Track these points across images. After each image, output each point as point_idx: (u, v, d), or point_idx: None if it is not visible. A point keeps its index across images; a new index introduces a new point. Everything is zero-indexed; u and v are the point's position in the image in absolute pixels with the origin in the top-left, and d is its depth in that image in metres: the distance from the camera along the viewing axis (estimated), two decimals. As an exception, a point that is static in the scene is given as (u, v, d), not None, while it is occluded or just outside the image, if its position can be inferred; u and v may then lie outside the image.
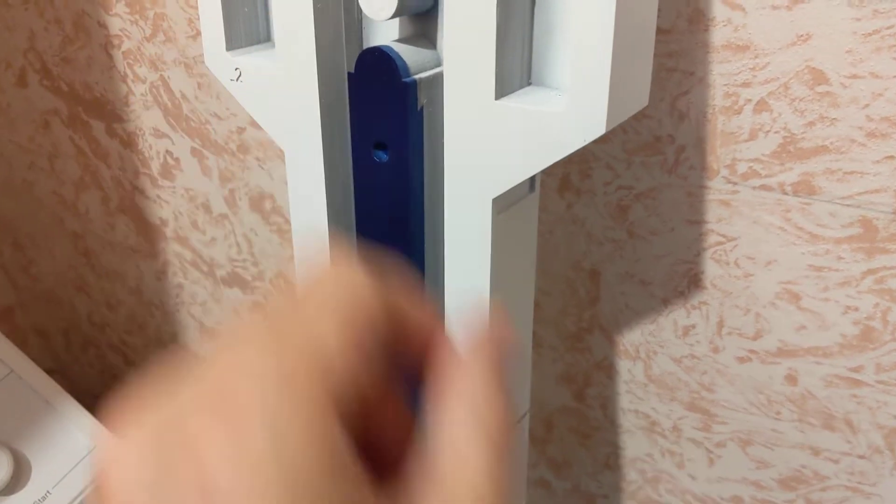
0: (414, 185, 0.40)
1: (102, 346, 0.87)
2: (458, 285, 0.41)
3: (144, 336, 0.82)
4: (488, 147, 0.36)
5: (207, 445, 0.16)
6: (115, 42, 0.63)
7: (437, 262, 0.43)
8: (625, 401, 0.55)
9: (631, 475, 0.58)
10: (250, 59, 0.42)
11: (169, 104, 0.63)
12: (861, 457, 0.48)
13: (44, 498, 0.64)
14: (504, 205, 0.39)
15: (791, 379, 0.47)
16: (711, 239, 0.45)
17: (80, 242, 0.80)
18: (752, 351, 0.47)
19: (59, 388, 0.71)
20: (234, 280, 0.70)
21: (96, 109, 0.69)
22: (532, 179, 0.41)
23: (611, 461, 0.59)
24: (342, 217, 0.44)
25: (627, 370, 0.53)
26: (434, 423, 0.19)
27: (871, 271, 0.42)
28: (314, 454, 0.16)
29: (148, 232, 0.73)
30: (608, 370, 0.54)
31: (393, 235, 0.42)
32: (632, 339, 0.51)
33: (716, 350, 0.48)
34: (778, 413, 0.49)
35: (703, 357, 0.49)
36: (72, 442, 0.68)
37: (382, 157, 0.40)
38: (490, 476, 0.18)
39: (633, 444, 0.56)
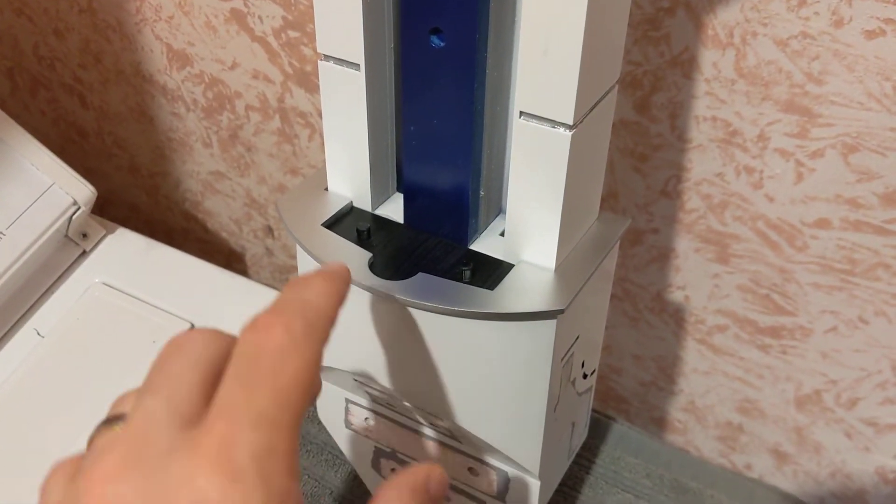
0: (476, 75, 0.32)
1: (54, 87, 0.75)
2: (521, 203, 0.33)
3: (102, 69, 0.70)
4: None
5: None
6: None
7: (493, 175, 0.35)
8: (701, 106, 0.45)
9: (693, 202, 0.50)
10: None
11: None
12: None
13: (-2, 239, 0.55)
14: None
15: (933, 57, 0.38)
16: None
17: (12, -51, 0.66)
18: (888, 20, 0.37)
19: (10, 120, 0.60)
20: (207, -17, 0.57)
21: None
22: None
23: (670, 187, 0.50)
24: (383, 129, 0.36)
25: (712, 64, 0.43)
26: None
27: None
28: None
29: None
30: (687, 66, 0.44)
31: (445, 140, 0.33)
32: (726, 19, 0.41)
33: (839, 23, 0.38)
34: (904, 106, 0.40)
35: (819, 35, 0.39)
36: (28, 178, 0.58)
37: (438, 42, 0.31)
38: None
39: (703, 163, 0.48)
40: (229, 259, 0.81)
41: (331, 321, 0.26)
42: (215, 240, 0.80)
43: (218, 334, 0.26)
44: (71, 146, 0.80)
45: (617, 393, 0.67)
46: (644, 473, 0.46)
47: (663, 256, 0.54)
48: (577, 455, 0.47)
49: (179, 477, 0.21)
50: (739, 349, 0.57)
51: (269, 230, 0.75)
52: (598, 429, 0.48)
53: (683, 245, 0.53)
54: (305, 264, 0.37)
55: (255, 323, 0.25)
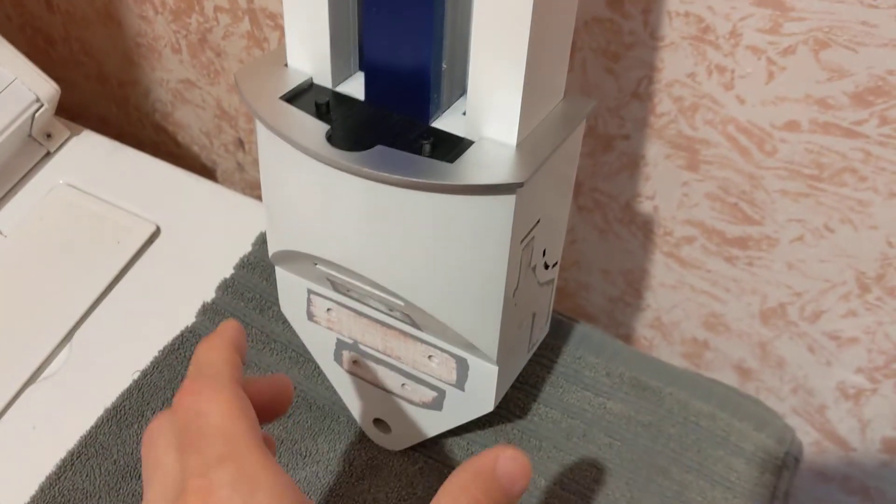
0: None
1: None
2: (483, 75, 0.32)
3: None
4: None
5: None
6: None
7: (457, 48, 0.34)
8: (674, 0, 0.44)
9: (664, 105, 0.50)
10: None
11: None
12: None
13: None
14: None
15: (907, -57, 0.37)
16: None
17: None
18: None
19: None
20: None
21: None
22: None
23: (641, 88, 0.50)
24: None
25: (686, -47, 0.42)
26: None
27: None
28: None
29: None
30: (660, -44, 0.43)
31: (406, 10, 0.33)
32: None
33: None
34: (876, -3, 0.39)
35: (793, -80, 0.38)
36: (-14, 73, 0.56)
37: None
38: None
39: (675, 62, 0.47)
40: (200, 174, 0.79)
41: (230, 364, 0.28)
42: (186, 154, 0.79)
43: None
44: (38, 54, 0.78)
45: (585, 310, 0.67)
46: (604, 372, 0.47)
47: (633, 164, 0.54)
48: (539, 354, 0.47)
49: None
50: (706, 261, 0.58)
51: (240, 143, 0.74)
52: (560, 329, 0.48)
53: (654, 151, 0.52)
54: (264, 138, 0.36)
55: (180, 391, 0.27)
